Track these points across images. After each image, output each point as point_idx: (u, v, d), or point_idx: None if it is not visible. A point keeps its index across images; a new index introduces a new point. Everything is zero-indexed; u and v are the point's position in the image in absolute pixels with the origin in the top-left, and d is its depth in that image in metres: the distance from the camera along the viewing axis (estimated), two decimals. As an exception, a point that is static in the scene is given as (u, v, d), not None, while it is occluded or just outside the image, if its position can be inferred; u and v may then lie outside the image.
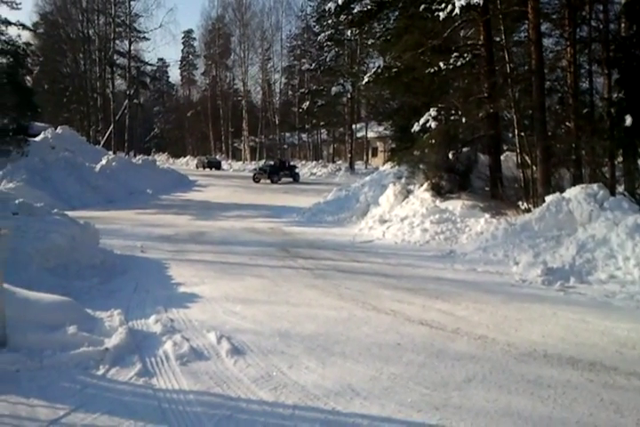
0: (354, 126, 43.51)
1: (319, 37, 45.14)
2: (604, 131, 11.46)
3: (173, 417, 3.67)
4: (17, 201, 8.76)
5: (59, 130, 26.60)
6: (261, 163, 42.32)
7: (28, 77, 30.70)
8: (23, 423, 3.56)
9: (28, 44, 24.77)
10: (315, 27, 50.14)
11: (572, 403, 3.90)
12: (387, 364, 4.61)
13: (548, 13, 13.79)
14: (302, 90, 50.62)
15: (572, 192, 9.51)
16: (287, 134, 59.70)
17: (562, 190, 9.97)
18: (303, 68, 52.79)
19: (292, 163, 37.99)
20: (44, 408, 3.77)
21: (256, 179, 32.68)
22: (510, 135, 13.94)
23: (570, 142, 12.25)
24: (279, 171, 33.06)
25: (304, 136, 58.18)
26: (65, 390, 4.05)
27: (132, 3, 41.95)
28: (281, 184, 31.21)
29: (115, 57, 43.66)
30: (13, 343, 4.60)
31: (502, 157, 14.15)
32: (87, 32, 45.49)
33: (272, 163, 36.26)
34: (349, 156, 42.54)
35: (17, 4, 24.86)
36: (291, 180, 33.04)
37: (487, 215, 11.36)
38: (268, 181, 32.08)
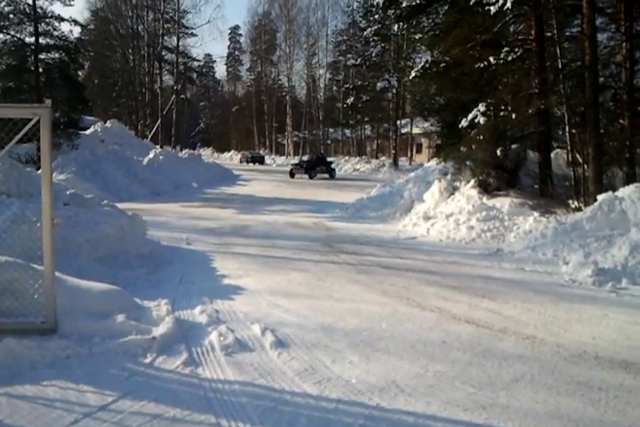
0: (398, 122, 43.09)
1: (365, 32, 45.02)
2: (661, 129, 11.10)
3: (218, 406, 3.69)
4: (68, 192, 8.95)
5: (108, 124, 27.16)
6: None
7: (80, 72, 31.35)
8: (73, 408, 3.63)
9: (79, 39, 25.30)
10: (361, 22, 50.01)
11: (625, 407, 3.78)
12: (432, 361, 4.55)
13: (602, 8, 13.43)
14: (347, 85, 50.39)
15: (626, 191, 9.21)
16: (331, 130, 59.71)
17: (614, 189, 9.68)
18: (348, 63, 52.76)
19: (328, 158, 37.78)
20: (93, 394, 3.84)
21: (292, 174, 32.73)
22: (561, 132, 13.60)
23: (623, 140, 11.92)
24: (316, 166, 32.99)
25: (348, 132, 58.01)
26: (113, 377, 4.12)
27: (180, -1, 42.64)
28: (322, 180, 31.20)
29: (163, 53, 44.45)
30: (64, 330, 4.71)
31: (552, 155, 13.83)
32: (136, 28, 46.43)
33: (308, 158, 36.18)
34: (393, 152, 42.11)
35: (70, 1, 25.38)
36: (327, 176, 32.94)
37: (536, 213, 11.10)
38: (305, 176, 32.08)
